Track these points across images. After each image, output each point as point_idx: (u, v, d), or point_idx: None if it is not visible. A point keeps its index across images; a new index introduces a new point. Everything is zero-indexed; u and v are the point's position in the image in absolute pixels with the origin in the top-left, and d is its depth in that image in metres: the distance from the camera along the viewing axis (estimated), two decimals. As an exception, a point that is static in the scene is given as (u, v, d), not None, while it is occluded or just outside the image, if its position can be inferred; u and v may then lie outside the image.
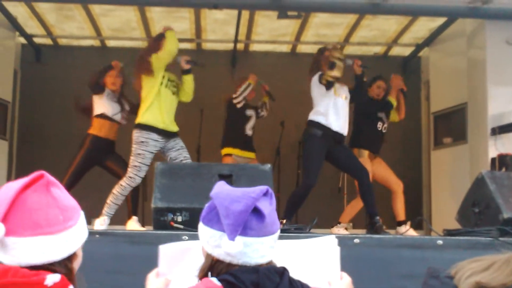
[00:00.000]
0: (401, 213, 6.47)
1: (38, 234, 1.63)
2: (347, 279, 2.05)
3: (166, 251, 2.06)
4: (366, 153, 6.53)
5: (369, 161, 6.45)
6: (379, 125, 6.61)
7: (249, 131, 7.05)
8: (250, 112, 7.07)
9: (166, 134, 5.71)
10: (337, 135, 5.95)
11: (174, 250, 2.06)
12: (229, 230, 1.67)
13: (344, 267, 2.08)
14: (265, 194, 1.76)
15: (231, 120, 7.03)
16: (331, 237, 2.17)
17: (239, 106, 6.92)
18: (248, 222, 1.69)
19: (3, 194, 1.62)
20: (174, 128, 5.80)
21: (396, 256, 4.12)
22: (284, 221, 5.74)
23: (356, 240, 4.14)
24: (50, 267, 1.66)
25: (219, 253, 1.73)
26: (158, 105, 5.65)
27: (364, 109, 6.59)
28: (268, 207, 1.74)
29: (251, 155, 7.00)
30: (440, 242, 4.19)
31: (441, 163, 7.81)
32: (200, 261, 1.85)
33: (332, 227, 6.41)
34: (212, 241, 1.74)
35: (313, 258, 2.07)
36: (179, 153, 5.74)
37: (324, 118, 5.91)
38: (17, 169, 8.16)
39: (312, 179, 5.83)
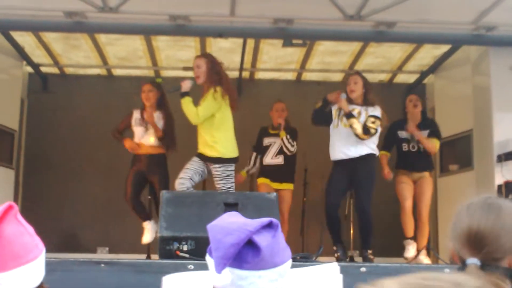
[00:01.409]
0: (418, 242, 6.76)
1: (20, 264, 1.61)
2: None
3: (169, 282, 2.04)
4: (404, 172, 6.86)
5: (408, 180, 6.80)
6: (404, 146, 6.85)
7: (270, 160, 7.22)
8: (268, 141, 7.29)
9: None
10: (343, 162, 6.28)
11: (178, 281, 2.04)
12: (217, 262, 1.64)
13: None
14: (267, 226, 1.73)
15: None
16: (333, 265, 2.16)
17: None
18: (244, 255, 1.66)
19: None
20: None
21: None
22: (335, 247, 6.31)
23: (363, 269, 4.11)
24: None
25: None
26: None
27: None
28: (269, 239, 1.69)
29: (284, 186, 7.18)
30: (447, 270, 4.15)
31: (448, 190, 7.78)
32: None
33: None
34: (212, 270, 1.72)
35: (316, 286, 2.05)
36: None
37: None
38: (23, 198, 8.16)
39: (327, 198, 6.38)
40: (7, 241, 1.60)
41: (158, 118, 6.67)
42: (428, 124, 6.96)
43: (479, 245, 1.74)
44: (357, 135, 6.17)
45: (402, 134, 6.88)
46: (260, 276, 1.69)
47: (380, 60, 8.29)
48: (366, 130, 6.16)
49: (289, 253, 1.79)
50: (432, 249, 7.43)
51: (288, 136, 7.08)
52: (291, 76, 9.03)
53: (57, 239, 7.40)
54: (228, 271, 1.65)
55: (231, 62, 8.30)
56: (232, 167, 6.03)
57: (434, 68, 8.25)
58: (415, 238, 6.70)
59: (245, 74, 8.81)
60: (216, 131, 6.01)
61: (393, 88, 8.89)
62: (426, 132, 6.82)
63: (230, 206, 4.53)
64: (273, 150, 7.22)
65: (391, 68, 8.59)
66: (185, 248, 4.33)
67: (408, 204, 6.75)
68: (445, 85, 8.14)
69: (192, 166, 6.01)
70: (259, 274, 1.69)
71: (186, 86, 6.03)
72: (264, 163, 7.28)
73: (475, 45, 7.08)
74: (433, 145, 6.81)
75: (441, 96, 8.16)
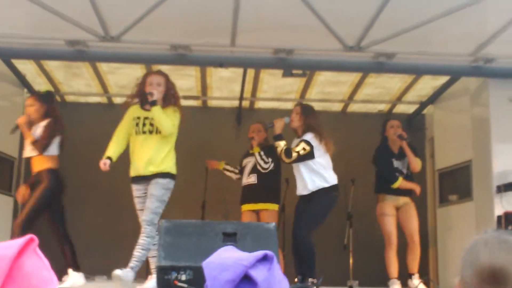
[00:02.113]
0: (412, 265, 6.80)
1: None
2: None
3: None
4: (388, 198, 6.92)
5: (392, 210, 6.86)
6: (397, 175, 6.88)
7: (245, 181, 7.07)
8: (245, 161, 7.20)
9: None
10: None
11: None
12: None
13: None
14: (263, 259, 1.73)
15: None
16: None
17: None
18: None
19: None
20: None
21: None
22: (296, 279, 5.85)
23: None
24: None
25: None
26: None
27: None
28: (265, 273, 1.69)
29: (260, 206, 6.99)
30: (447, 302, 4.14)
31: (447, 220, 7.77)
32: None
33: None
34: None
35: None
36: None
37: None
38: (21, 225, 8.13)
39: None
40: (26, 274, 1.60)
41: (38, 126, 6.36)
42: (410, 145, 7.04)
43: (503, 283, 1.74)
44: (280, 158, 6.45)
45: (394, 163, 6.99)
46: None
47: (380, 90, 8.33)
48: (288, 153, 6.31)
49: (286, 284, 1.79)
50: (431, 280, 7.40)
51: (262, 152, 6.99)
52: (291, 105, 9.03)
53: (56, 267, 7.35)
54: None
55: (231, 91, 8.35)
56: (172, 185, 5.77)
57: (434, 98, 8.30)
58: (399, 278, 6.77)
59: (245, 103, 8.85)
60: (170, 149, 5.83)
61: (392, 118, 8.90)
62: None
63: (229, 236, 4.52)
64: (247, 169, 7.11)
65: (390, 98, 8.62)
66: (183, 277, 4.31)
67: (394, 240, 6.80)
68: (444, 115, 8.17)
69: (143, 205, 5.76)
70: None
71: (155, 96, 5.78)
72: (242, 185, 7.16)
73: (474, 77, 7.13)
74: (418, 163, 6.99)
75: (440, 126, 8.19)
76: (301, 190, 6.42)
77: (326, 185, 6.34)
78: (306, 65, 6.91)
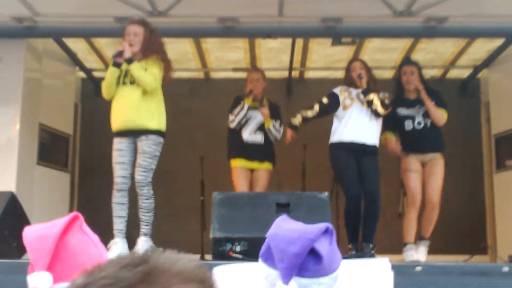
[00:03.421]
0: (425, 228, 6.09)
1: None
2: None
3: (220, 273, 2.04)
4: (412, 155, 6.07)
5: (417, 166, 6.02)
6: (408, 124, 6.08)
7: (251, 137, 6.35)
8: (250, 113, 6.37)
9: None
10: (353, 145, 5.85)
11: (229, 273, 2.04)
12: (283, 273, 1.64)
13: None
14: (325, 232, 1.71)
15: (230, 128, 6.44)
16: (384, 260, 2.11)
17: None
18: (305, 264, 1.65)
19: (41, 242, 1.58)
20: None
21: (460, 284, 4.01)
22: (350, 245, 5.67)
23: (418, 268, 4.04)
24: None
25: None
26: None
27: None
28: (327, 246, 1.69)
29: (263, 165, 6.40)
30: (506, 269, 4.06)
31: (505, 186, 7.60)
32: (254, 284, 1.82)
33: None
34: (269, 279, 1.71)
35: (365, 281, 2.01)
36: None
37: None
38: (79, 200, 8.32)
39: (351, 190, 5.79)
40: (73, 252, 1.62)
41: None
42: (433, 94, 6.11)
43: None
44: (375, 110, 5.80)
45: (403, 111, 6.14)
46: (320, 283, 1.68)
47: (432, 56, 8.16)
48: (385, 106, 5.84)
49: (341, 257, 1.78)
50: (490, 247, 7.27)
51: (276, 124, 6.43)
52: (340, 74, 8.88)
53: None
54: (294, 281, 1.64)
55: (280, 62, 8.30)
56: (162, 140, 5.38)
57: (488, 62, 8.08)
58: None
59: (295, 73, 8.79)
60: (158, 101, 5.41)
61: (445, 84, 8.73)
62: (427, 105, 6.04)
63: (282, 207, 4.52)
64: (253, 125, 6.36)
65: (443, 63, 8.44)
66: (238, 249, 4.34)
67: (418, 199, 5.98)
68: (500, 79, 7.96)
69: (125, 158, 5.32)
70: (319, 281, 1.68)
71: (128, 52, 5.29)
72: (244, 140, 6.36)
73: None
74: (442, 115, 6.00)
75: (496, 90, 7.98)
76: (364, 138, 5.85)
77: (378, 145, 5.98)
78: (355, 32, 6.82)
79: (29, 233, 1.61)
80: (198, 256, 6.93)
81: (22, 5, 6.19)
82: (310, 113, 6.09)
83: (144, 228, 5.26)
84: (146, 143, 5.23)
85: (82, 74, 8.65)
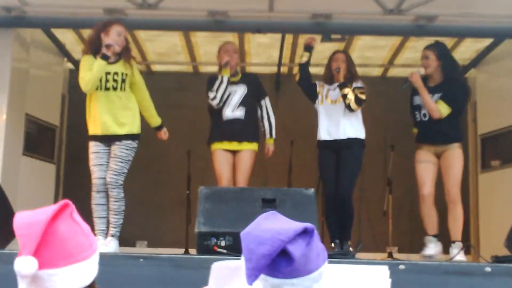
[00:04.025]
0: (452, 230, 5.76)
1: (72, 262, 1.63)
2: None
3: (218, 269, 2.03)
4: (424, 146, 5.86)
5: (429, 157, 5.79)
6: (417, 114, 5.90)
7: (232, 113, 5.93)
8: (229, 89, 5.95)
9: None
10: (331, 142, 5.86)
11: (226, 268, 2.03)
12: (248, 274, 1.62)
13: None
14: (302, 233, 1.67)
15: (210, 110, 6.08)
16: (383, 268, 2.11)
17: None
18: (276, 265, 1.63)
19: (30, 227, 1.58)
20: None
21: (442, 283, 4.03)
22: (333, 245, 5.69)
23: (401, 267, 4.06)
24: None
25: None
26: None
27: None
28: (303, 248, 1.65)
29: (243, 145, 5.93)
30: (488, 269, 4.08)
31: (489, 187, 7.65)
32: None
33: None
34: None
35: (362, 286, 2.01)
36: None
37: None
38: (64, 192, 8.29)
39: (327, 190, 5.85)
40: (60, 239, 1.62)
41: None
42: (445, 85, 5.80)
43: None
44: (349, 106, 5.77)
45: (416, 100, 5.90)
46: (294, 284, 1.67)
47: (420, 54, 8.17)
48: (358, 100, 5.79)
49: (325, 256, 1.76)
50: (473, 246, 7.31)
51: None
52: (329, 71, 8.97)
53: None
54: (259, 282, 1.63)
55: (269, 57, 8.30)
56: (136, 144, 5.37)
57: (476, 62, 8.11)
58: (438, 236, 5.81)
59: (284, 69, 8.79)
60: (134, 106, 5.43)
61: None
62: (437, 96, 5.76)
63: (268, 202, 4.52)
64: (234, 100, 5.94)
65: (431, 62, 8.46)
66: (223, 243, 4.34)
67: (427, 190, 5.72)
68: (487, 79, 8.00)
69: (103, 160, 5.35)
70: (292, 282, 1.66)
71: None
72: (223, 119, 5.95)
73: (518, 39, 6.94)
74: (436, 108, 5.68)
75: (483, 90, 8.02)
76: (338, 135, 5.81)
77: (363, 137, 5.93)
78: (344, 29, 6.83)
79: (19, 219, 1.61)
80: (183, 250, 6.93)
81: (11, -6, 6.15)
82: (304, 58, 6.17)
83: (112, 230, 5.27)
84: (119, 147, 5.27)
85: (70, 65, 8.60)
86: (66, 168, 8.46)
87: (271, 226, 1.68)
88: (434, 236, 5.75)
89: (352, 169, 5.83)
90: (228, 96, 5.91)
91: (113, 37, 5.29)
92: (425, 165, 5.77)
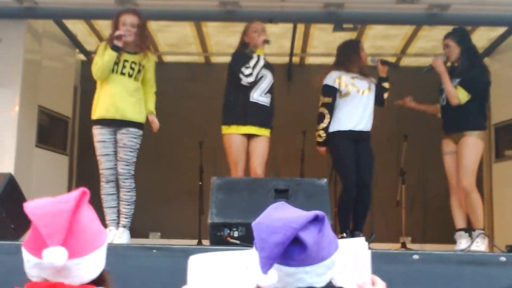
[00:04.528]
0: (471, 218, 5.70)
1: (94, 249, 1.65)
2: (381, 285, 1.94)
3: (195, 262, 2.02)
4: (446, 136, 5.82)
5: (451, 147, 5.72)
6: (440, 99, 5.88)
7: (259, 97, 5.74)
8: (262, 72, 5.76)
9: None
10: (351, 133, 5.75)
11: (205, 262, 2.01)
12: (262, 263, 1.62)
13: (403, 285, 2.02)
14: (314, 220, 1.68)
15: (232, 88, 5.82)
16: (360, 239, 2.10)
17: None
18: (290, 253, 1.63)
19: (55, 217, 1.59)
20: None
21: (457, 273, 4.01)
22: (344, 234, 5.62)
23: (415, 257, 4.04)
24: (97, 279, 1.68)
25: None
26: None
27: None
28: (315, 235, 1.66)
29: (263, 131, 5.77)
30: (503, 258, 4.06)
31: (503, 176, 7.60)
32: (233, 274, 1.82)
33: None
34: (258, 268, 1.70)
35: (342, 260, 1.98)
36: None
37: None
38: (77, 183, 8.32)
39: (348, 179, 5.68)
40: (83, 228, 1.64)
41: None
42: (465, 70, 5.74)
43: None
44: (384, 101, 5.82)
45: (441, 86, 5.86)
46: (307, 272, 1.67)
47: (433, 43, 8.11)
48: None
49: (337, 243, 1.76)
50: (487, 236, 7.27)
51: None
52: (341, 61, 8.93)
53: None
54: (274, 271, 1.62)
55: (281, 47, 8.27)
56: (141, 133, 5.39)
57: (490, 51, 8.04)
58: (468, 229, 5.67)
59: (295, 59, 8.76)
60: (142, 96, 5.46)
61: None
62: (456, 81, 5.70)
63: (281, 193, 4.51)
64: (264, 85, 5.79)
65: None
66: (235, 234, 4.34)
67: (454, 182, 5.67)
68: (501, 68, 7.92)
69: (109, 150, 5.34)
70: (306, 270, 1.67)
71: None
72: (250, 100, 5.72)
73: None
74: (455, 94, 5.63)
75: (497, 79, 7.91)
76: (362, 126, 5.75)
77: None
78: (357, 18, 6.78)
79: (36, 208, 1.61)
80: (196, 241, 6.95)
81: (22, -15, 6.16)
82: (326, 122, 5.81)
83: (124, 220, 5.29)
84: (127, 136, 5.27)
85: (82, 57, 8.61)
86: (78, 159, 8.49)
87: (282, 215, 1.68)
88: (464, 230, 5.68)
89: (371, 161, 5.79)
90: (260, 79, 5.73)
91: (125, 28, 5.31)
92: (448, 157, 5.73)
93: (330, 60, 8.79)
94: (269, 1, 6.44)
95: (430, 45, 8.16)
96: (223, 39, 8.06)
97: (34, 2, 6.50)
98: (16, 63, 6.70)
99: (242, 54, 5.80)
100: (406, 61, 8.72)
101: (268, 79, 5.79)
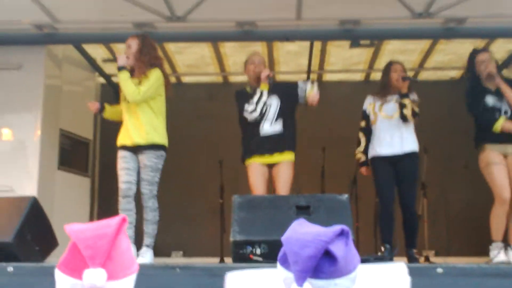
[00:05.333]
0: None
1: (128, 274, 1.70)
2: None
3: (233, 279, 2.04)
4: (491, 147, 5.69)
5: (500, 158, 5.63)
6: (496, 115, 5.71)
7: (272, 128, 5.74)
8: (263, 101, 5.74)
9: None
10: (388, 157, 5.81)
11: (242, 279, 2.04)
12: (297, 276, 1.65)
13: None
14: (340, 234, 1.72)
15: (243, 124, 5.88)
16: (400, 265, 2.10)
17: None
18: (320, 266, 1.65)
19: (98, 240, 1.64)
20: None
21: (481, 285, 3.98)
22: (384, 247, 5.65)
23: (439, 270, 4.02)
24: None
25: None
26: None
27: None
28: (343, 248, 1.69)
29: (283, 156, 5.75)
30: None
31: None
32: None
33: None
34: (286, 282, 1.73)
35: (382, 285, 2.00)
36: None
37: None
38: (99, 205, 8.38)
39: (381, 194, 5.81)
40: (121, 252, 1.69)
41: None
42: (509, 81, 5.77)
43: None
44: (405, 117, 5.71)
45: (489, 101, 5.76)
46: (336, 284, 1.69)
47: (451, 57, 8.12)
48: (414, 113, 5.75)
49: (359, 258, 1.79)
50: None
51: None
52: (359, 77, 8.96)
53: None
54: (308, 283, 1.65)
55: (298, 65, 8.31)
56: (163, 154, 5.39)
57: (508, 62, 8.02)
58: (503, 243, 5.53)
59: (313, 76, 8.79)
60: (156, 117, 5.38)
61: (465, 85, 8.68)
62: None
63: (302, 209, 4.52)
64: (271, 113, 5.75)
65: (462, 64, 8.37)
66: (258, 251, 4.34)
67: (506, 193, 5.50)
68: (519, 80, 7.90)
69: (130, 164, 5.38)
70: (335, 282, 1.69)
71: (121, 60, 5.34)
72: (260, 134, 5.73)
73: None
74: None
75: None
76: (394, 149, 5.78)
77: (417, 149, 5.90)
78: (373, 34, 6.81)
79: (79, 231, 1.67)
80: (218, 259, 6.95)
81: (43, 12, 6.26)
82: (362, 146, 5.98)
83: (147, 240, 5.29)
84: (147, 156, 5.29)
85: (101, 80, 8.72)
86: (100, 180, 8.56)
87: (308, 230, 1.71)
88: (501, 241, 5.56)
89: (410, 181, 5.80)
90: (265, 111, 5.74)
91: (125, 51, 5.43)
92: (500, 167, 5.59)
93: (348, 76, 8.87)
94: (285, 19, 6.48)
95: (448, 58, 8.16)
96: (241, 58, 8.11)
97: (54, 28, 6.60)
98: (37, 88, 6.81)
99: (243, 92, 5.86)
100: (424, 75, 8.72)
101: (273, 107, 5.75)
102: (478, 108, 5.73)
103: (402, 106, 5.77)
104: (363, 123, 6.00)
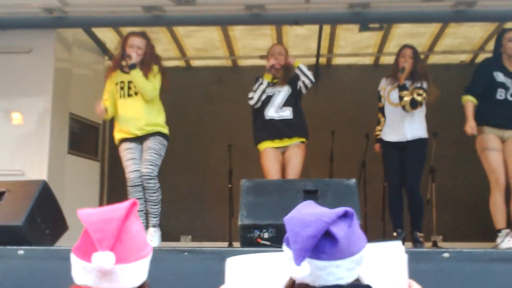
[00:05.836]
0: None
1: (140, 258, 1.72)
2: None
3: (233, 264, 2.06)
4: (489, 130, 5.67)
5: (498, 144, 5.62)
6: (500, 93, 5.68)
7: (278, 113, 6.00)
8: (270, 91, 6.08)
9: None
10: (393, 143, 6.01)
11: (242, 263, 2.05)
12: (296, 255, 1.67)
13: (433, 283, 2.03)
14: (343, 215, 1.74)
15: (253, 110, 6.18)
16: (397, 243, 2.13)
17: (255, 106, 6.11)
18: (321, 247, 1.68)
19: (106, 223, 1.67)
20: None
21: (488, 271, 3.99)
22: (396, 232, 5.77)
23: (446, 255, 4.03)
24: None
25: None
26: None
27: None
28: (345, 229, 1.71)
29: (288, 141, 6.02)
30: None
31: None
32: (269, 275, 1.85)
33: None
34: (290, 262, 1.75)
35: (378, 264, 2.02)
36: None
37: None
38: (108, 189, 8.42)
39: (389, 179, 6.05)
40: (132, 236, 1.72)
41: None
42: None
43: None
44: (403, 107, 5.83)
45: (499, 76, 5.70)
46: (338, 266, 1.71)
47: (461, 40, 8.07)
48: (414, 103, 5.81)
49: (365, 240, 1.81)
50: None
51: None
52: (368, 60, 8.92)
53: (142, 228, 7.62)
54: (306, 263, 1.67)
55: (307, 49, 8.28)
56: (166, 142, 5.72)
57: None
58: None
59: (322, 60, 8.76)
60: (156, 109, 5.76)
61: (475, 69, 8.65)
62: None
63: (309, 194, 4.53)
64: (278, 100, 6.05)
65: (472, 48, 8.35)
66: (266, 235, 4.37)
67: (501, 179, 5.51)
68: (530, 63, 7.84)
69: (136, 155, 5.65)
70: (336, 263, 1.71)
71: (133, 58, 5.68)
72: (266, 118, 6.03)
73: None
74: None
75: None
76: (400, 136, 5.92)
77: (425, 136, 6.01)
78: (383, 18, 6.76)
79: (89, 215, 1.70)
80: (227, 243, 7.00)
81: (52, -5, 6.27)
82: (381, 124, 6.20)
83: (153, 220, 5.46)
84: (152, 141, 5.56)
85: (110, 64, 8.71)
86: (110, 164, 8.59)
87: (312, 211, 1.73)
88: (504, 229, 5.54)
89: (415, 166, 5.92)
90: (271, 97, 6.03)
91: (132, 50, 5.67)
92: (496, 153, 5.57)
93: (357, 60, 8.83)
94: (294, 3, 6.46)
95: (458, 42, 8.12)
96: (250, 42, 8.12)
97: (63, 12, 6.60)
98: (47, 72, 6.82)
99: (256, 79, 6.19)
100: (434, 59, 8.67)
101: (282, 94, 6.05)
102: (476, 76, 5.85)
103: (399, 98, 5.85)
104: (380, 104, 6.19)
